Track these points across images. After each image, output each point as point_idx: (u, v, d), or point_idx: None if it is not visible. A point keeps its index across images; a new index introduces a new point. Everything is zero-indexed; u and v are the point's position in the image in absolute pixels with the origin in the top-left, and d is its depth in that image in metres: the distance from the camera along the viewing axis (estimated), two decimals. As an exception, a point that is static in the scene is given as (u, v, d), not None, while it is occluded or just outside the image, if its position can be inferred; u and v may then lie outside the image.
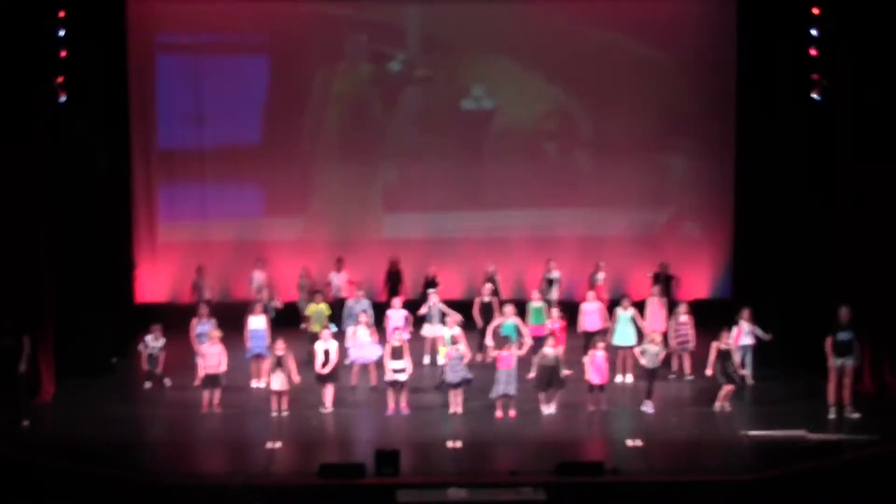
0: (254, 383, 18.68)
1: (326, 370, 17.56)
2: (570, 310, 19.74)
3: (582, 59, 23.01)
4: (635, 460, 15.51)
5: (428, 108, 23.19)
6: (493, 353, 18.10)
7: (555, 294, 21.27)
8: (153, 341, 18.75)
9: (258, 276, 21.57)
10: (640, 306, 19.65)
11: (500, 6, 22.77)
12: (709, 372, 17.62)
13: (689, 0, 23.12)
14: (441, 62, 23.05)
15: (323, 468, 14.60)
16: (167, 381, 18.90)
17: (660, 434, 16.64)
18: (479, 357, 19.52)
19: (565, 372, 17.67)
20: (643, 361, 17.68)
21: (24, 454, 15.45)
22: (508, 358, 17.28)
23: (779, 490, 14.55)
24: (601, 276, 21.70)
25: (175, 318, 19.88)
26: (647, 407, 17.51)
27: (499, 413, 17.27)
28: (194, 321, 18.87)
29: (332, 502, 14.39)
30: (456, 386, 17.32)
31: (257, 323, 18.81)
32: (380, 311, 19.74)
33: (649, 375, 17.66)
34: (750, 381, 18.76)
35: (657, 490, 14.51)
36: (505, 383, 17.19)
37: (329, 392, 17.62)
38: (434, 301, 19.65)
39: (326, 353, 17.57)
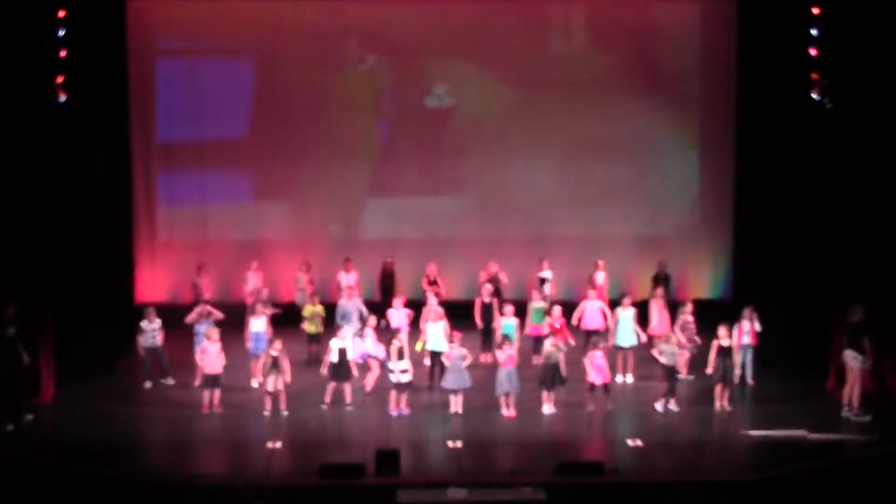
0: (254, 383, 18.68)
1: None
2: (570, 309, 19.74)
3: (582, 58, 23.02)
4: (635, 460, 15.52)
5: (421, 109, 23.23)
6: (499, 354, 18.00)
7: (547, 293, 21.24)
8: (148, 325, 18.74)
9: (253, 278, 21.58)
10: (638, 306, 19.68)
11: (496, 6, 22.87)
12: (710, 370, 17.61)
13: (690, 0, 23.13)
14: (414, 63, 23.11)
15: (323, 468, 14.60)
16: (170, 381, 18.89)
17: (660, 434, 16.65)
18: (481, 357, 19.51)
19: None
20: (662, 360, 17.61)
21: (24, 454, 15.45)
22: (509, 358, 17.29)
23: (779, 490, 14.55)
24: (601, 275, 21.67)
25: (175, 318, 19.87)
26: (669, 406, 17.50)
27: (504, 411, 17.28)
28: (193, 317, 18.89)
29: (332, 502, 14.40)
30: (454, 392, 17.35)
31: (258, 325, 18.81)
32: (376, 311, 19.70)
33: (670, 375, 17.62)
34: (750, 381, 18.76)
35: (657, 490, 14.51)
36: (507, 382, 17.21)
37: (346, 389, 17.63)
38: (432, 302, 19.61)
39: (342, 351, 17.56)
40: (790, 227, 20.70)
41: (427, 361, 19.10)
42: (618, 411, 17.58)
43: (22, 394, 17.03)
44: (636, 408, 17.85)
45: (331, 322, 19.98)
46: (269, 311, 19.61)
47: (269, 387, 17.29)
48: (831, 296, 18.25)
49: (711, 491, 14.48)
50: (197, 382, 18.18)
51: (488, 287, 20.46)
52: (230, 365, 17.88)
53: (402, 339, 17.55)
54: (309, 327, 19.93)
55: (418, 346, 18.75)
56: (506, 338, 17.69)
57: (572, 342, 17.97)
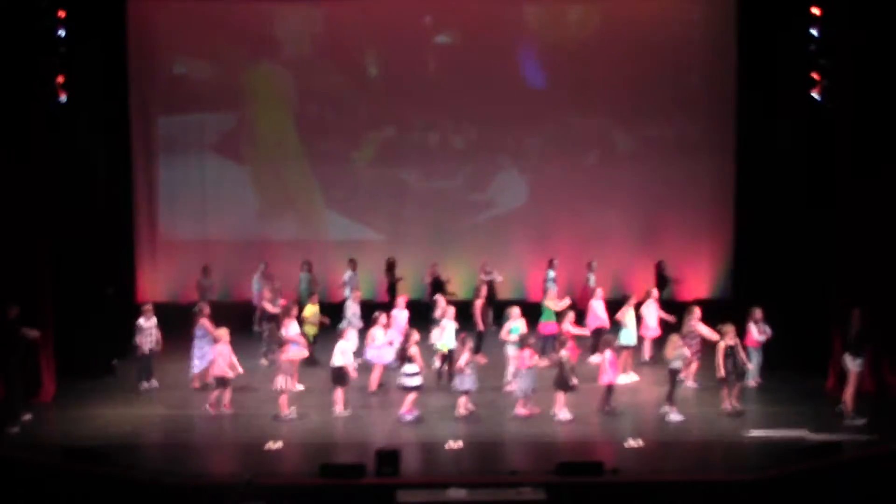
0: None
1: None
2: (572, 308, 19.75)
3: (581, 57, 23.02)
4: (635, 460, 15.52)
5: (423, 108, 23.24)
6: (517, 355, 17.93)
7: (553, 294, 21.15)
8: (146, 322, 18.72)
9: (258, 281, 21.56)
10: (638, 306, 19.72)
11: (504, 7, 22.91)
12: (720, 374, 17.31)
13: (690, 1, 23.13)
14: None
15: (323, 468, 14.59)
16: (154, 383, 18.88)
17: (660, 434, 16.65)
18: (481, 359, 19.49)
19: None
20: (675, 364, 17.40)
21: (24, 454, 15.46)
22: (530, 356, 17.29)
23: (779, 490, 14.55)
24: (592, 276, 21.63)
25: (175, 318, 19.90)
26: (674, 413, 17.38)
27: (525, 411, 17.30)
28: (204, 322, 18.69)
29: (332, 502, 14.40)
30: (463, 393, 17.38)
31: (294, 328, 18.82)
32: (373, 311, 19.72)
33: (674, 379, 17.57)
34: (753, 381, 18.71)
35: (657, 490, 14.51)
36: (529, 382, 17.24)
37: (341, 394, 17.60)
38: (442, 306, 19.51)
39: (346, 355, 17.59)
40: (790, 228, 20.69)
41: (436, 364, 19.09)
42: (618, 411, 17.56)
43: (17, 393, 17.05)
44: (636, 408, 17.84)
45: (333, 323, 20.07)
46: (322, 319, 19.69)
47: (280, 385, 17.24)
48: (831, 296, 18.25)
49: (711, 491, 14.48)
50: (196, 384, 18.25)
51: (484, 289, 20.44)
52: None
53: (416, 341, 17.46)
54: (310, 328, 19.89)
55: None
56: (525, 338, 17.66)
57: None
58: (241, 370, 17.58)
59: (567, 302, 19.06)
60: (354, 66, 23.15)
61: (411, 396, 17.25)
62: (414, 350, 17.22)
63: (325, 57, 22.98)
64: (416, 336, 17.44)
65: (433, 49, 23.35)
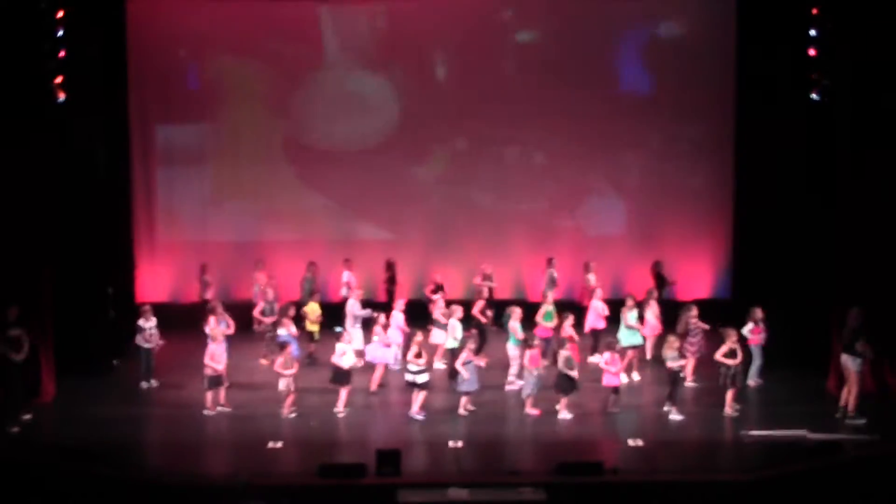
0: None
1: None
2: (570, 307, 19.74)
3: (580, 55, 22.99)
4: (635, 460, 15.52)
5: (420, 107, 23.23)
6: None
7: (551, 293, 21.18)
8: (146, 323, 18.73)
9: (259, 279, 21.54)
10: (639, 306, 19.71)
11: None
12: (739, 359, 17.29)
13: (690, 0, 23.12)
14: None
15: (323, 468, 14.59)
16: (153, 382, 18.87)
17: (660, 434, 16.65)
18: (481, 360, 19.49)
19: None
20: (676, 363, 17.36)
21: (24, 454, 15.45)
22: (537, 357, 17.28)
23: (779, 490, 14.56)
24: (591, 276, 21.61)
25: (175, 318, 19.88)
26: (675, 413, 17.39)
27: (535, 410, 17.29)
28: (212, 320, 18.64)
29: (332, 502, 14.40)
30: (465, 394, 17.36)
31: (292, 327, 18.83)
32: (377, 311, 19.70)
33: (674, 379, 17.51)
34: (752, 382, 18.70)
35: (657, 490, 14.52)
36: (536, 382, 17.22)
37: (345, 393, 17.60)
38: (440, 306, 19.50)
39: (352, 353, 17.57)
40: (790, 227, 20.69)
41: (441, 363, 19.08)
42: (618, 411, 17.57)
43: (18, 393, 17.04)
44: (637, 408, 17.84)
45: (331, 322, 20.03)
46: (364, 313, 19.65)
47: (283, 386, 17.25)
48: (832, 295, 18.24)
49: (711, 491, 14.49)
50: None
51: (484, 290, 20.42)
52: (239, 365, 17.84)
53: (420, 340, 17.47)
54: (312, 327, 19.89)
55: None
56: (531, 338, 17.66)
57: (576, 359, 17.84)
58: (221, 366, 17.46)
59: (556, 322, 19.03)
60: (418, 67, 22.92)
61: (422, 395, 17.25)
62: (416, 349, 17.25)
63: (377, 56, 22.73)
64: (419, 336, 17.48)
65: (512, 48, 23.08)
